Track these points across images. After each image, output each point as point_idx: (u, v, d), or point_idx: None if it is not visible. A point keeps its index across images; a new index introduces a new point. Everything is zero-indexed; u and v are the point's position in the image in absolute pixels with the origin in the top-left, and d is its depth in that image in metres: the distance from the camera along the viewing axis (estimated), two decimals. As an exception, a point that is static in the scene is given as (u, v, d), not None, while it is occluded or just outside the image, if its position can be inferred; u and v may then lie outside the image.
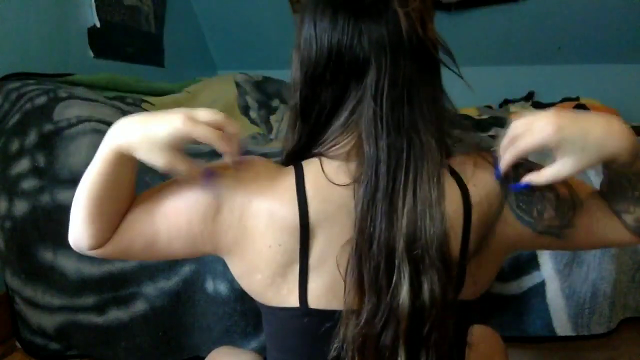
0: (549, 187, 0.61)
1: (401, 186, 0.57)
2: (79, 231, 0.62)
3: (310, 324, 0.62)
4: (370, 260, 0.57)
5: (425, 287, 0.56)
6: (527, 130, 0.56)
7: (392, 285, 0.56)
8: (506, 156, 0.58)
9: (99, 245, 0.62)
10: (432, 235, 0.56)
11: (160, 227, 0.62)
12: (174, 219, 0.61)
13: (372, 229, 0.57)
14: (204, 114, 0.56)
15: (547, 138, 0.54)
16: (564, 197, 0.62)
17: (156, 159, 0.56)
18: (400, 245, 0.56)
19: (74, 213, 0.62)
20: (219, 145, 0.57)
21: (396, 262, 0.56)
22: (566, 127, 0.54)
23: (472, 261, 0.61)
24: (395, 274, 0.56)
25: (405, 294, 0.55)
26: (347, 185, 0.59)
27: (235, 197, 0.60)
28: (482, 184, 0.62)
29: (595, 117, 0.56)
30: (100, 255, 0.64)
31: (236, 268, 0.65)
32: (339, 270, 0.59)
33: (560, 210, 0.62)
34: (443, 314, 0.57)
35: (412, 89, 0.59)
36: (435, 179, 0.58)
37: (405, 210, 0.56)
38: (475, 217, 0.60)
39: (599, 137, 0.54)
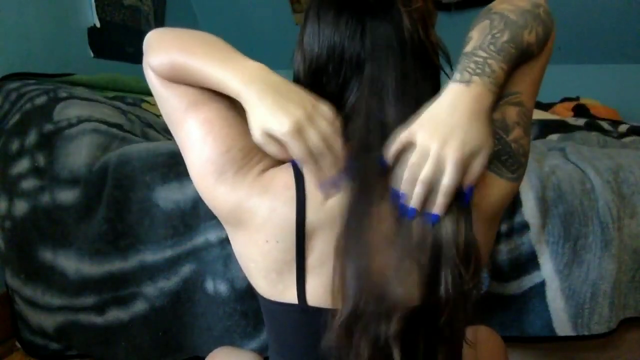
0: (508, 135, 0.61)
1: None
2: (154, 55, 0.67)
3: (308, 320, 0.62)
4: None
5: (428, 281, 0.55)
6: (435, 170, 0.53)
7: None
8: (409, 188, 0.55)
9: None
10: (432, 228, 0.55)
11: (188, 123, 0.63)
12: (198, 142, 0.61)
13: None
14: (316, 135, 0.55)
15: (458, 177, 0.53)
16: (520, 125, 0.62)
17: (250, 128, 0.56)
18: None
19: (161, 43, 0.66)
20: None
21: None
22: (466, 156, 0.53)
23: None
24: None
25: (402, 289, 0.55)
26: None
27: (238, 191, 0.60)
28: None
29: (454, 116, 0.54)
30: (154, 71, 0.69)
31: (234, 244, 0.65)
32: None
33: (528, 133, 0.63)
34: (441, 307, 0.56)
35: (411, 87, 0.60)
36: None
37: None
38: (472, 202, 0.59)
39: (473, 129, 0.53)
